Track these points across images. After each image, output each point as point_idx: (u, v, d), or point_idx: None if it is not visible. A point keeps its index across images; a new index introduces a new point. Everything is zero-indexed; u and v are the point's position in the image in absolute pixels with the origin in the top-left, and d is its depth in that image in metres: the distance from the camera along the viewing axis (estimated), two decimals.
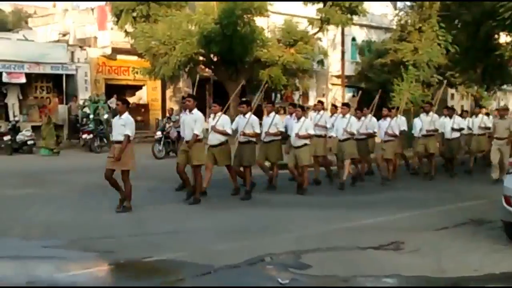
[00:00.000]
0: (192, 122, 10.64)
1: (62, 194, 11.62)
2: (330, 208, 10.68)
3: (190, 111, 10.77)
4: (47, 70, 25.64)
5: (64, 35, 30.79)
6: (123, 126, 9.77)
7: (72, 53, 27.47)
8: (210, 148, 11.37)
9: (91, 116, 23.16)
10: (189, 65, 24.75)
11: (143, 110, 29.76)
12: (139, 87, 30.43)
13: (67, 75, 26.19)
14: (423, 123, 14.99)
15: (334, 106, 15.25)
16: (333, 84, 35.61)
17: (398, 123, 14.67)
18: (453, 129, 15.83)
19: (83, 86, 27.55)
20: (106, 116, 22.81)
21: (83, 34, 30.41)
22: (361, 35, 35.75)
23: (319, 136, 13.41)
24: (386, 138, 14.32)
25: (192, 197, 10.72)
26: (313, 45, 27.31)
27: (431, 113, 15.11)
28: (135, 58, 27.71)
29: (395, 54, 27.48)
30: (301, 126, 12.07)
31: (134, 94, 30.19)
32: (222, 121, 11.27)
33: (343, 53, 32.58)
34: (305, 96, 34.05)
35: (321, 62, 28.91)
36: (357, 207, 10.75)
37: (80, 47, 28.39)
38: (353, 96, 34.95)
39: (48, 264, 6.94)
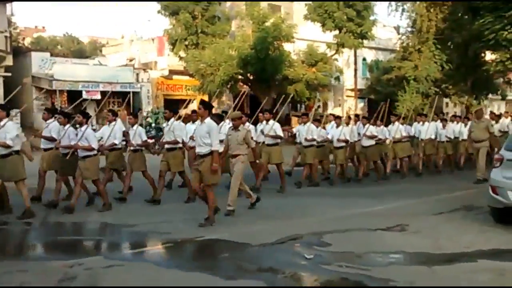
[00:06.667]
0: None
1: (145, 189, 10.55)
2: (344, 197, 10.59)
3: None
4: (118, 88, 26.13)
5: (130, 60, 31.27)
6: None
7: (137, 74, 27.95)
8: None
9: (153, 125, 23.85)
10: (230, 82, 24.96)
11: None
12: (190, 101, 30.72)
13: (134, 92, 26.53)
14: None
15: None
16: (347, 96, 35.33)
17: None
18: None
19: (146, 101, 27.95)
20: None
21: (146, 59, 30.82)
22: (370, 55, 35.30)
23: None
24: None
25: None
26: (331, 64, 27.37)
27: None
28: (187, 77, 27.99)
29: (398, 70, 27.13)
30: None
31: (186, 107, 30.47)
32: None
33: (355, 70, 32.24)
34: (324, 106, 33.83)
35: (337, 78, 28.79)
36: (367, 196, 10.63)
37: (144, 69, 28.84)
38: (364, 105, 34.65)
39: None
